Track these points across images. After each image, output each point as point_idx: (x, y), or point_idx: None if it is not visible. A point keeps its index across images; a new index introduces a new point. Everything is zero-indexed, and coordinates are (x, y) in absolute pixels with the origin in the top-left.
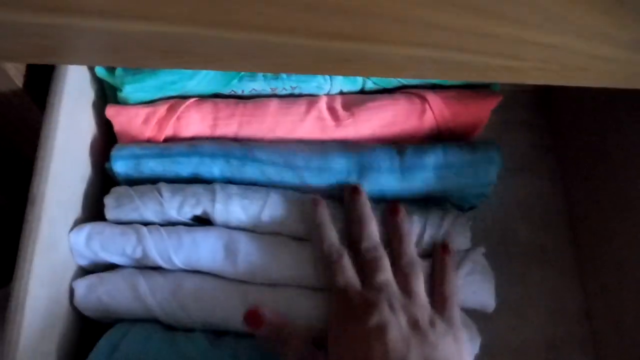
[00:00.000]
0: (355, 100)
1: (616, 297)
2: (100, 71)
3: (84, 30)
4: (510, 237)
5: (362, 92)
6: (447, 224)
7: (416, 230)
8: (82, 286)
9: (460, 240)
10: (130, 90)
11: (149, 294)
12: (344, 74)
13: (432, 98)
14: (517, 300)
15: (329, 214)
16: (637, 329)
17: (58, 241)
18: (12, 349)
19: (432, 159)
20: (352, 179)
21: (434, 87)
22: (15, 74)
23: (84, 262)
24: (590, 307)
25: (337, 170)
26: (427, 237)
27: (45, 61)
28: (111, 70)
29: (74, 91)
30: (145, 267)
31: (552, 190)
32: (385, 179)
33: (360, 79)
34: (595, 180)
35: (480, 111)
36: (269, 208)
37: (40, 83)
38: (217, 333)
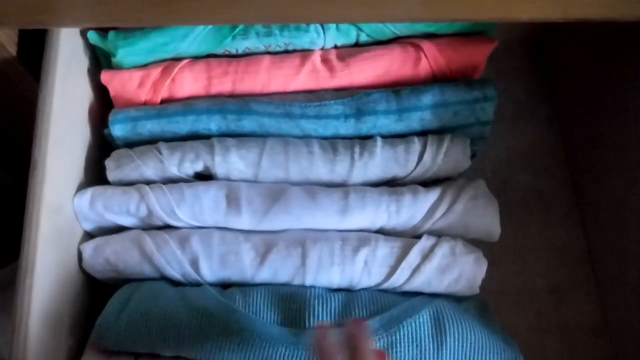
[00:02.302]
0: (350, 51)
1: (617, 239)
2: (92, 37)
3: None
4: (510, 186)
5: (357, 45)
6: (447, 141)
7: (416, 149)
8: (89, 248)
9: (460, 157)
10: (124, 53)
11: (155, 251)
12: (331, 20)
13: (427, 46)
14: (519, 246)
15: None
16: (638, 269)
17: (62, 206)
18: (24, 311)
19: (429, 98)
20: (350, 123)
21: (428, 37)
22: (8, 42)
23: (89, 226)
24: (592, 250)
25: (334, 115)
26: (427, 156)
27: (35, 22)
28: (103, 35)
29: (68, 58)
30: (152, 227)
31: (550, 136)
32: (382, 121)
33: (353, 32)
34: (592, 123)
35: (476, 57)
36: (267, 154)
37: (33, 52)
38: (222, 286)
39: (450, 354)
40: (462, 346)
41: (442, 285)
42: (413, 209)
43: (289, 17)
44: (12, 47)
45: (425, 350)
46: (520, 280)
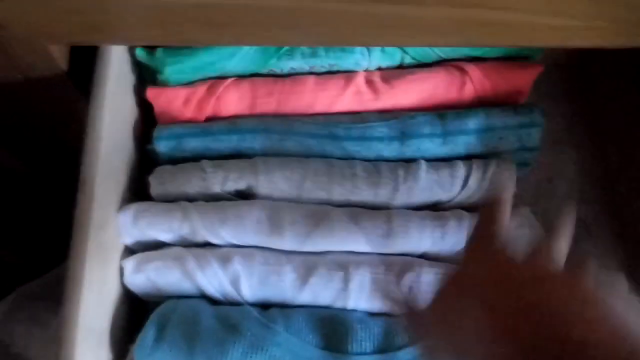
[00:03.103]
0: (394, 73)
1: None
2: (140, 54)
3: (130, 4)
4: (549, 213)
5: (401, 67)
6: (492, 167)
7: (461, 173)
8: (131, 264)
9: (506, 182)
10: (171, 71)
11: (197, 269)
12: (386, 43)
13: (472, 69)
14: None
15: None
16: None
17: (106, 222)
18: (71, 326)
19: (474, 122)
20: (394, 145)
21: (472, 60)
22: (60, 58)
23: (131, 242)
24: (637, 280)
25: (378, 137)
26: (472, 181)
27: (91, 40)
28: (151, 52)
29: (116, 75)
30: (193, 245)
31: (591, 162)
32: (427, 145)
33: (398, 54)
34: (635, 151)
35: (521, 81)
36: (310, 175)
37: (82, 69)
38: (262, 306)
39: None
40: None
41: None
42: (458, 235)
43: (345, 41)
44: (64, 63)
45: None
46: None
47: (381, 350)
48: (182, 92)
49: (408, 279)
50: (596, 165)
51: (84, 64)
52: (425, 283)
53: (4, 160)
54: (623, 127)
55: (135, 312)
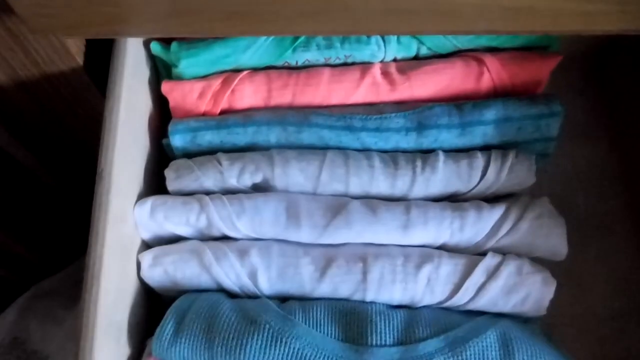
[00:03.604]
0: (410, 64)
1: None
2: (155, 47)
3: None
4: (568, 207)
5: (416, 58)
6: (511, 157)
7: (480, 164)
8: (148, 258)
9: (525, 174)
10: (186, 65)
11: (214, 263)
12: (406, 31)
13: (490, 60)
14: (578, 270)
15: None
16: None
17: (125, 215)
18: (90, 319)
19: (492, 112)
20: (411, 137)
21: (490, 51)
22: (77, 52)
23: (147, 235)
24: None
25: (395, 128)
26: (491, 172)
27: (111, 31)
28: (166, 46)
29: (132, 69)
30: (210, 238)
31: (609, 156)
32: (445, 135)
33: (414, 45)
34: None
35: (539, 71)
36: (327, 167)
37: (98, 62)
38: (280, 299)
39: None
40: None
41: (507, 305)
42: (477, 226)
43: (367, 29)
44: (80, 56)
45: None
46: (579, 306)
47: (402, 342)
48: (197, 86)
49: (427, 270)
50: (615, 159)
51: (101, 59)
52: (444, 275)
53: (20, 156)
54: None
55: (154, 306)
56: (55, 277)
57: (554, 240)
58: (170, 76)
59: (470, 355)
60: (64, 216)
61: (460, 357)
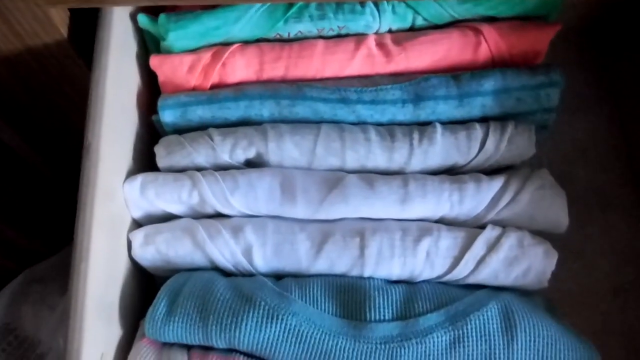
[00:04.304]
0: (406, 35)
1: None
2: (142, 20)
3: None
4: (568, 180)
5: (412, 29)
6: (510, 128)
7: (478, 135)
8: (139, 237)
9: (525, 144)
10: (174, 37)
11: (207, 241)
12: None
13: (487, 30)
14: (579, 244)
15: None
16: None
17: (114, 192)
18: (79, 298)
19: (491, 83)
20: (408, 109)
21: (487, 21)
22: (60, 23)
23: (138, 214)
24: None
25: (391, 100)
26: (490, 143)
27: (97, 1)
28: (154, 19)
29: (119, 42)
30: (203, 216)
31: (610, 129)
32: (442, 107)
33: (410, 15)
34: None
35: (537, 41)
36: (322, 141)
37: (84, 35)
38: (276, 276)
39: (521, 349)
40: (534, 342)
41: (509, 278)
42: (476, 198)
43: None
44: (65, 28)
45: (494, 345)
46: (581, 279)
47: (401, 317)
48: (187, 59)
49: (426, 244)
50: (615, 132)
51: (87, 33)
52: (444, 248)
53: (7, 138)
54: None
55: (148, 286)
56: (48, 262)
57: (555, 212)
58: (159, 50)
59: (472, 328)
60: (57, 200)
61: (461, 331)
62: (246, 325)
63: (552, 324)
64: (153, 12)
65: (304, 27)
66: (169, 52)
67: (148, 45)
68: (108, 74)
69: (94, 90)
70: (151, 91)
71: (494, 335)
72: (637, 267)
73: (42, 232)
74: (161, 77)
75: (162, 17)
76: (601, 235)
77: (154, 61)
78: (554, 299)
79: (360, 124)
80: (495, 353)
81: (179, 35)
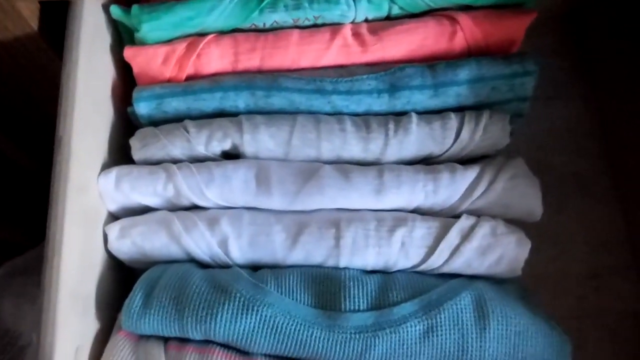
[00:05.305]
0: (382, 25)
1: None
2: (115, 11)
3: None
4: (545, 167)
5: (388, 18)
6: (485, 117)
7: (453, 125)
8: (115, 230)
9: (499, 134)
10: (148, 28)
11: (183, 233)
12: None
13: (463, 18)
14: (556, 230)
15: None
16: None
17: (88, 186)
18: (52, 292)
19: (466, 72)
20: (383, 99)
21: (463, 9)
22: (30, 16)
23: (114, 207)
24: (632, 234)
25: (366, 91)
26: (465, 133)
27: None
28: (127, 10)
29: (91, 33)
30: (179, 208)
31: (586, 116)
32: (417, 97)
33: (386, 4)
34: (631, 103)
35: (513, 30)
36: (298, 132)
37: (55, 28)
38: (253, 268)
39: (494, 338)
40: (507, 330)
41: (482, 266)
42: (451, 188)
43: None
44: (34, 21)
45: (467, 334)
46: (557, 265)
47: (376, 307)
48: (161, 51)
49: (400, 233)
50: (591, 118)
51: (58, 24)
52: (418, 238)
53: None
54: (617, 78)
55: (126, 279)
56: (29, 254)
57: (529, 201)
58: (133, 41)
59: (445, 317)
60: (37, 192)
61: (434, 320)
62: (221, 317)
63: (524, 312)
64: (127, 3)
65: (279, 17)
66: (143, 43)
67: (122, 37)
68: (80, 66)
69: (65, 83)
70: (126, 83)
71: (466, 324)
72: (612, 252)
73: (22, 224)
74: (136, 69)
75: (134, 8)
76: (577, 221)
77: (128, 53)
78: (530, 285)
79: (336, 114)
80: (468, 342)
81: (152, 26)
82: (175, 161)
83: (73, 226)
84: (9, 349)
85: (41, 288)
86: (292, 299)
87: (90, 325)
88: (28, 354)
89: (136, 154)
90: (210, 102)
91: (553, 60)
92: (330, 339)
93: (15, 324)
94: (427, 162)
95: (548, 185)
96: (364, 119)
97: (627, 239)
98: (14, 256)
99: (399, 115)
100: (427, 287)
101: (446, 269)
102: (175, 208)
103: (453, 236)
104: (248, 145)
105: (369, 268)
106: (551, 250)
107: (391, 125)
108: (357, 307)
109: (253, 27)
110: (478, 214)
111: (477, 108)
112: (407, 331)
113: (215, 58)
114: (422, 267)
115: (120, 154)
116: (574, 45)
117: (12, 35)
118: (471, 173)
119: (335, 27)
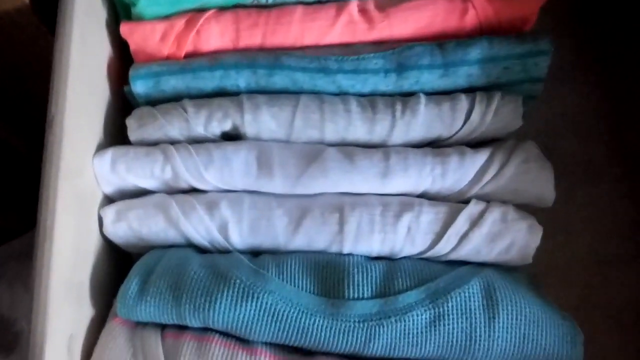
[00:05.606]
0: (390, 1)
1: None
2: None
3: None
4: (556, 152)
5: None
6: (497, 99)
7: (463, 107)
8: (110, 213)
9: (511, 116)
10: (145, 3)
11: (181, 217)
12: None
13: None
14: (564, 217)
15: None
16: None
17: (82, 168)
18: (43, 279)
19: (477, 51)
20: (391, 78)
21: None
22: None
23: (109, 189)
24: None
25: (373, 70)
26: (475, 115)
27: None
28: None
29: (85, 9)
30: (177, 191)
31: (599, 100)
32: (426, 77)
33: None
34: None
35: (527, 7)
36: (301, 112)
37: (47, 1)
38: (254, 253)
39: (503, 327)
40: (516, 319)
41: (491, 254)
42: (460, 171)
43: None
44: None
45: (476, 322)
46: (566, 253)
47: (380, 294)
48: (159, 27)
49: (406, 219)
50: (603, 102)
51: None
52: (425, 224)
53: None
54: (631, 59)
55: (123, 264)
56: (23, 238)
57: (541, 185)
58: (129, 17)
59: (452, 306)
60: (32, 175)
61: (441, 308)
62: (220, 304)
63: (534, 301)
64: None
65: None
66: (140, 19)
67: (118, 12)
68: (73, 42)
69: (57, 59)
70: (122, 61)
71: (475, 313)
72: (621, 240)
73: (16, 209)
74: (132, 46)
75: None
76: (587, 208)
77: (124, 29)
78: (538, 272)
79: (341, 94)
80: (476, 331)
81: (150, 0)
82: (173, 142)
83: (65, 210)
84: (4, 334)
85: (32, 274)
86: (294, 286)
87: (85, 313)
88: (23, 340)
89: (132, 135)
90: (209, 80)
91: (566, 41)
92: (333, 328)
93: (10, 309)
94: (435, 145)
95: (557, 171)
96: (370, 100)
97: (638, 228)
98: (8, 240)
99: (407, 96)
100: (434, 274)
101: (454, 256)
102: (173, 191)
103: (461, 222)
104: (249, 125)
105: (374, 254)
106: (559, 238)
107: (398, 106)
108: (361, 295)
109: (255, 2)
110: (488, 199)
111: (488, 89)
112: (413, 320)
113: (216, 35)
114: (429, 254)
115: (115, 135)
116: (587, 27)
117: (1, 8)
118: (481, 156)
119: (340, 3)
